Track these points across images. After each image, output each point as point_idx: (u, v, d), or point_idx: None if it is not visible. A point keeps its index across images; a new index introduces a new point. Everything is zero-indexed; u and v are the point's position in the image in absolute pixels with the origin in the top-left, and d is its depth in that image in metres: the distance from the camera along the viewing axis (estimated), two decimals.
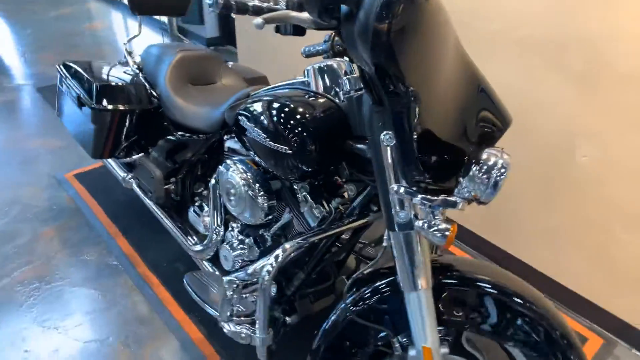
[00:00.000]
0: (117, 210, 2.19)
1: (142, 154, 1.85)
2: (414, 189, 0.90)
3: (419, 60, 0.81)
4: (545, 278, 1.88)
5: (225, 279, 1.23)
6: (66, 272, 1.88)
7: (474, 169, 0.86)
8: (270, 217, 1.32)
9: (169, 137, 1.70)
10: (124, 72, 1.83)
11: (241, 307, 1.28)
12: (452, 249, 2.08)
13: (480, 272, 1.07)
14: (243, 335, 1.15)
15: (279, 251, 1.10)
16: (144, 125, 1.74)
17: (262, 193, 1.29)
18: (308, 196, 1.26)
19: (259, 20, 0.80)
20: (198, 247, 1.57)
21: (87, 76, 1.69)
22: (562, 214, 1.75)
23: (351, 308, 1.08)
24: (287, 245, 1.11)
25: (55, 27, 4.82)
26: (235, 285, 1.24)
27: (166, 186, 1.71)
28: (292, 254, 1.14)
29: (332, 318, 1.11)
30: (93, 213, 2.18)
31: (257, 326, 1.13)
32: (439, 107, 0.87)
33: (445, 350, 1.05)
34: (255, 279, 1.24)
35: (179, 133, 1.66)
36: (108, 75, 1.78)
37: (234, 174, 1.32)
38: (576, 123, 1.61)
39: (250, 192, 1.29)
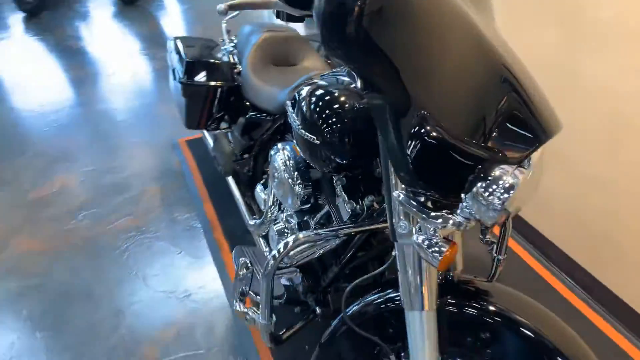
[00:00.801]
0: (211, 179, 2.37)
1: (228, 129, 1.96)
2: (417, 198, 0.82)
3: (408, 49, 0.71)
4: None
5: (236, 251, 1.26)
6: (157, 226, 2.12)
7: (479, 185, 0.74)
8: (307, 205, 1.31)
9: (246, 115, 1.77)
10: (223, 50, 1.95)
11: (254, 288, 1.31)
12: (538, 268, 1.85)
13: (506, 304, 0.95)
14: (248, 317, 1.17)
15: (289, 239, 1.09)
16: (227, 101, 1.84)
17: (299, 180, 1.28)
18: (342, 189, 1.22)
19: (221, 6, 0.78)
20: (253, 222, 1.63)
21: (182, 52, 1.83)
22: None
23: (350, 317, 1.04)
24: (301, 236, 1.10)
25: (210, 3, 5.29)
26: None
27: (235, 161, 1.80)
28: (306, 245, 1.12)
29: (333, 324, 1.08)
30: (192, 178, 2.40)
31: (259, 310, 1.14)
32: (444, 108, 0.75)
33: None
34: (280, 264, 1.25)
35: (253, 112, 1.72)
36: (208, 52, 1.91)
37: (278, 157, 1.33)
38: None
39: (289, 178, 1.29)
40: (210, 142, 2.13)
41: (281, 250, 1.08)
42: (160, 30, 4.53)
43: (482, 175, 0.74)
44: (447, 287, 0.97)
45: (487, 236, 1.50)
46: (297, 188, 1.29)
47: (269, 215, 1.55)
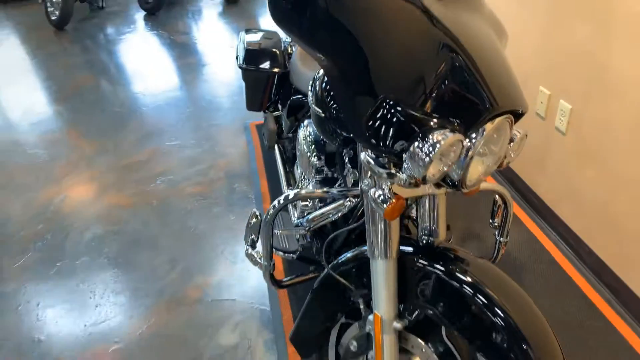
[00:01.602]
0: (271, 159, 2.63)
1: (282, 111, 2.20)
2: (377, 160, 0.95)
3: (354, 20, 0.81)
4: None
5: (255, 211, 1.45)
6: (219, 194, 2.42)
7: (415, 144, 0.86)
8: (321, 175, 1.49)
9: (292, 98, 1.99)
10: (284, 42, 2.19)
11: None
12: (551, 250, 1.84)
13: (465, 267, 1.02)
14: (254, 260, 1.37)
15: (291, 193, 1.27)
16: (280, 86, 2.07)
17: (315, 153, 1.46)
18: (349, 160, 1.37)
19: None
20: (286, 191, 1.84)
21: (246, 40, 2.10)
22: None
23: (334, 267, 1.18)
24: (303, 191, 1.27)
25: None
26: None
27: (279, 139, 2.02)
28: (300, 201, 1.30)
29: (322, 274, 1.23)
30: (255, 156, 2.68)
31: (261, 254, 1.34)
32: (392, 80, 0.84)
33: (398, 324, 1.07)
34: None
35: (297, 96, 1.93)
36: (268, 42, 2.16)
37: (301, 133, 1.52)
38: None
39: (307, 150, 1.48)
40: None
41: (281, 201, 1.27)
42: (256, 26, 4.94)
43: (419, 137, 0.86)
44: (423, 249, 1.06)
45: (495, 221, 1.58)
46: (312, 159, 1.47)
47: (300, 186, 1.75)
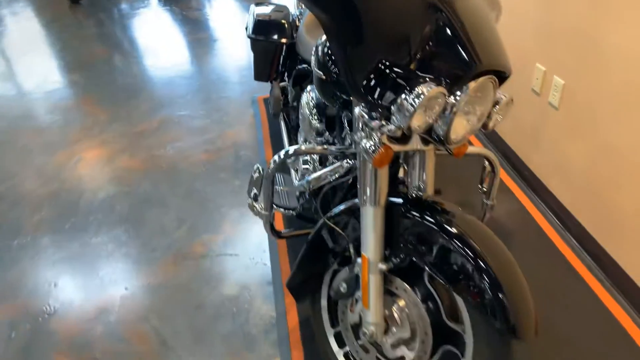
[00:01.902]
0: (276, 130, 2.73)
1: (288, 82, 2.29)
2: (370, 113, 1.04)
3: None
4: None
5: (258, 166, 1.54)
6: (225, 161, 2.53)
7: (402, 96, 0.96)
8: (321, 137, 1.58)
9: (298, 67, 2.08)
10: (292, 15, 2.27)
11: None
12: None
13: (449, 218, 1.09)
14: (255, 210, 1.47)
15: (290, 148, 1.36)
16: (287, 57, 2.15)
17: (316, 116, 1.55)
18: (346, 122, 1.47)
19: None
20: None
21: (256, 12, 2.18)
22: None
23: (329, 218, 1.28)
24: (303, 147, 1.37)
25: None
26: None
27: (284, 107, 2.12)
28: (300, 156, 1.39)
29: (317, 224, 1.33)
30: (261, 128, 2.78)
31: (261, 204, 1.44)
32: (386, 39, 0.95)
33: (383, 266, 1.17)
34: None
35: (303, 65, 2.02)
36: (277, 15, 2.24)
37: (304, 97, 1.62)
38: None
39: (308, 114, 1.57)
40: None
41: (281, 155, 1.37)
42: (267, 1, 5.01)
43: (406, 90, 0.95)
44: (410, 201, 1.15)
45: (484, 187, 1.68)
46: (313, 122, 1.57)
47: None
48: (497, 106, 1.09)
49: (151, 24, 4.66)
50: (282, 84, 2.37)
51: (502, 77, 1.06)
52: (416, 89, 0.91)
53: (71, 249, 2.04)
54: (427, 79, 0.96)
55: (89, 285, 1.86)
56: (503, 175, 2.29)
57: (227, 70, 3.59)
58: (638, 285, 1.62)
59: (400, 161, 1.31)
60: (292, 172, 1.97)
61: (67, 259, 1.99)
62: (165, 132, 2.83)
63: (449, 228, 1.06)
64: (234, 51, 3.91)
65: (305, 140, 1.82)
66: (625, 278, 1.67)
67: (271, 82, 2.38)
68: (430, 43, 0.93)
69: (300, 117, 1.69)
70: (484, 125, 1.14)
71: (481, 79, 0.95)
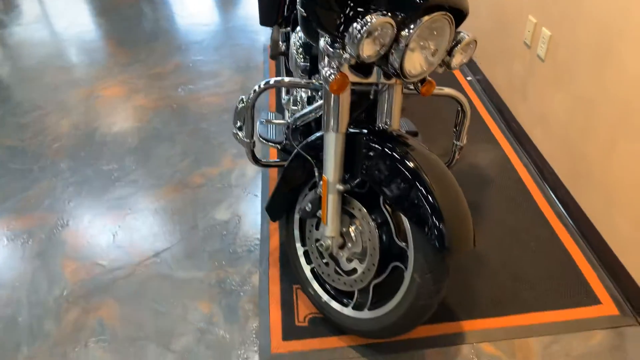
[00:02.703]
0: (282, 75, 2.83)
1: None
2: (333, 44, 1.14)
3: None
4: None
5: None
6: (231, 104, 2.67)
7: (353, 25, 1.05)
8: (306, 75, 1.69)
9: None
10: None
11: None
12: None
13: (405, 149, 1.20)
14: (238, 137, 1.61)
15: (271, 80, 1.48)
16: (292, 2, 2.24)
17: (301, 55, 1.66)
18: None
19: None
20: (284, 98, 2.06)
21: None
22: None
23: (302, 147, 1.40)
24: (272, 80, 1.48)
25: None
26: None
27: (283, 50, 2.22)
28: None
29: (293, 152, 1.46)
30: (268, 73, 2.90)
31: (243, 132, 1.58)
32: None
33: (341, 187, 1.30)
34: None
35: None
36: None
37: (293, 36, 1.72)
38: None
39: (295, 52, 1.68)
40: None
41: (261, 85, 1.48)
42: None
43: (357, 20, 1.05)
44: (374, 132, 1.27)
45: (458, 128, 1.76)
46: (299, 60, 1.68)
47: (294, 93, 1.96)
48: (458, 45, 1.17)
49: None
50: (288, 29, 2.47)
51: (461, 16, 1.14)
52: (364, 18, 1.01)
53: (85, 173, 2.25)
54: (379, 10, 1.06)
55: (97, 206, 2.07)
56: (492, 126, 2.35)
57: (247, 18, 3.69)
58: (597, 229, 1.70)
59: (371, 96, 1.41)
60: (286, 111, 2.09)
61: (80, 182, 2.20)
62: (178, 75, 2.98)
63: (401, 157, 1.18)
64: (255, 1, 3.99)
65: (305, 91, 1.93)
66: (586, 222, 1.75)
67: (277, 27, 2.47)
68: None
69: (289, 57, 1.79)
70: (447, 65, 1.23)
71: (435, 14, 1.02)
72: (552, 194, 1.96)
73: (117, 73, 3.04)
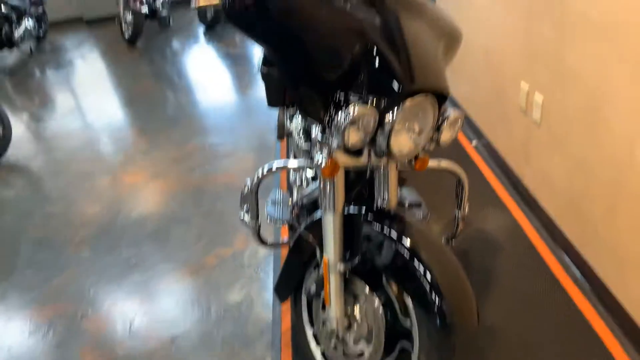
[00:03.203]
0: None
1: None
2: (323, 134, 1.21)
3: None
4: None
5: None
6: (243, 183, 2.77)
7: (337, 116, 1.08)
8: (309, 157, 1.77)
9: None
10: None
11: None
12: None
13: (403, 227, 1.22)
14: (243, 220, 1.65)
15: (269, 164, 1.55)
16: None
17: (302, 137, 1.75)
18: None
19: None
20: (291, 177, 2.14)
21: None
22: None
23: (305, 227, 1.43)
24: (274, 164, 1.55)
25: None
26: None
27: (285, 130, 2.33)
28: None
29: (296, 233, 1.49)
30: (279, 153, 3.01)
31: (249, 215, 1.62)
32: (326, 60, 1.08)
33: (341, 266, 1.32)
34: None
35: None
36: None
37: (294, 119, 1.83)
38: None
39: (296, 135, 1.77)
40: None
41: (264, 170, 1.52)
42: None
43: (341, 110, 1.06)
44: (374, 211, 1.29)
45: (458, 199, 1.78)
46: (299, 142, 1.76)
47: (300, 172, 2.04)
48: (444, 123, 1.20)
49: (198, 60, 5.12)
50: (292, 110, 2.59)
51: (442, 96, 1.19)
52: (346, 109, 1.06)
53: (106, 261, 2.34)
54: (362, 98, 1.11)
55: (117, 293, 2.14)
56: (500, 190, 2.36)
57: (261, 99, 3.90)
58: (611, 291, 1.65)
59: (367, 175, 1.46)
60: (294, 191, 2.16)
61: (101, 270, 2.28)
62: (195, 157, 3.13)
63: (399, 235, 1.19)
64: None
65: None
66: (600, 285, 1.70)
67: (283, 108, 2.61)
68: (367, 65, 1.07)
69: (292, 139, 1.89)
70: (437, 142, 1.26)
71: (417, 98, 1.06)
72: (565, 256, 1.92)
73: (139, 159, 3.22)
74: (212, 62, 4.97)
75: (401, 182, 1.66)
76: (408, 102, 1.06)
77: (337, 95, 1.12)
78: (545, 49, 1.83)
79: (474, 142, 2.78)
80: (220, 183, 2.82)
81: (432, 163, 1.36)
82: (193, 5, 1.61)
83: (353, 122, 1.06)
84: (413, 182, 2.45)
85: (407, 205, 1.69)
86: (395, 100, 1.06)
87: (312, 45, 1.11)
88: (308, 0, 1.10)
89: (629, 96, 1.42)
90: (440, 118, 1.17)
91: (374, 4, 1.12)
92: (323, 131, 1.19)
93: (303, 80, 1.15)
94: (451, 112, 1.19)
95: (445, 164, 1.58)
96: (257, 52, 5.01)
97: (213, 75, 4.60)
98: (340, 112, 1.06)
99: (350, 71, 1.09)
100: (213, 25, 5.94)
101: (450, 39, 1.27)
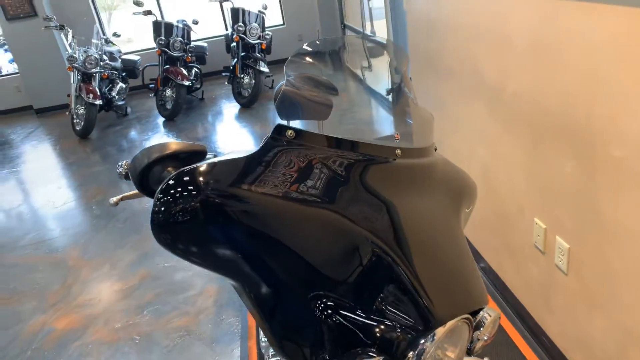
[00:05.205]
0: None
1: None
2: None
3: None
4: None
5: None
6: (204, 328, 2.28)
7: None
8: None
9: None
10: None
11: None
12: None
13: None
14: None
15: None
16: None
17: None
18: None
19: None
20: None
21: None
22: None
23: None
24: None
25: None
26: None
27: None
28: None
29: None
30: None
31: None
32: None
33: None
34: None
35: None
36: None
37: None
38: None
39: None
40: None
41: None
42: (266, 132, 5.04)
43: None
44: None
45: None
46: None
47: None
48: (481, 328, 0.91)
49: None
50: None
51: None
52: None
53: None
54: (375, 345, 0.80)
55: None
56: (519, 340, 1.94)
57: None
58: None
59: None
60: None
61: None
62: (144, 291, 2.62)
63: None
64: None
65: None
66: None
67: None
68: (393, 302, 0.81)
69: None
70: (469, 351, 0.94)
71: (449, 324, 0.80)
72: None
73: (76, 294, 2.69)
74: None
75: None
76: (441, 331, 0.78)
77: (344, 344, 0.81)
78: (568, 190, 1.49)
79: None
80: (175, 328, 2.31)
81: None
82: (111, 201, 1.28)
83: None
84: None
85: None
86: (422, 335, 0.79)
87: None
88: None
89: None
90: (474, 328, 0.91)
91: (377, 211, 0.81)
92: None
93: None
94: (486, 315, 0.91)
95: None
96: (227, 146, 4.66)
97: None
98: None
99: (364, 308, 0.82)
100: (172, 116, 5.62)
101: (464, 197, 1.08)
